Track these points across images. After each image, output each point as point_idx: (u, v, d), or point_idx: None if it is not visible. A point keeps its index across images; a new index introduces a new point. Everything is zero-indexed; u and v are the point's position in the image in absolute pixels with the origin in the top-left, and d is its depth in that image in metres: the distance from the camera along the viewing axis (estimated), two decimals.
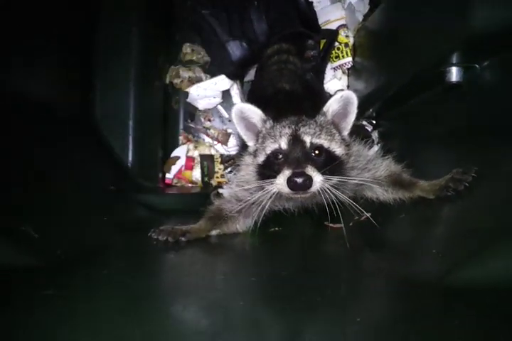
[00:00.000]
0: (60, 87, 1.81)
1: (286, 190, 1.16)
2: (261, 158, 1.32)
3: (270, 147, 1.30)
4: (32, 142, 1.50)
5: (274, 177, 1.20)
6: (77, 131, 1.86)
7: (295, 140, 1.26)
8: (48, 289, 0.91)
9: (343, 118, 1.37)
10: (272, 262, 1.16)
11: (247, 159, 1.42)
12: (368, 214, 1.30)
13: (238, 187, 1.44)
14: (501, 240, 0.79)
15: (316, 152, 1.26)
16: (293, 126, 1.30)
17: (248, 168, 1.41)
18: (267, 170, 1.28)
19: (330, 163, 1.24)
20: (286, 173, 1.17)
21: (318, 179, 1.16)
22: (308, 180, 1.13)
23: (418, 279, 0.78)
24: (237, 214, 1.41)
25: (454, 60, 1.27)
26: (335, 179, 1.21)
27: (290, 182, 1.14)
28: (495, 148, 1.15)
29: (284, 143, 1.27)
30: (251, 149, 1.39)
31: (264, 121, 1.36)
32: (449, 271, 0.77)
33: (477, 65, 1.27)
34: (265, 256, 1.30)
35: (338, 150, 1.31)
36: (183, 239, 1.31)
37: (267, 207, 1.24)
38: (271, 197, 1.22)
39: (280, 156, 1.27)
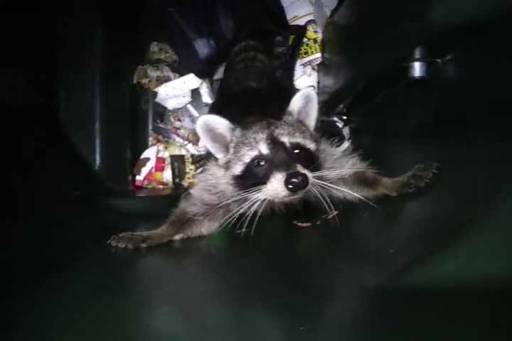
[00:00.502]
0: (24, 91, 1.77)
1: (283, 193, 1.13)
2: (238, 169, 1.27)
3: (248, 155, 1.25)
4: None
5: (258, 184, 1.17)
6: (43, 134, 1.81)
7: (274, 143, 1.23)
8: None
9: (306, 115, 1.35)
10: (240, 265, 1.14)
11: (217, 171, 1.37)
12: (335, 213, 1.30)
13: (205, 191, 1.42)
14: (457, 239, 0.78)
15: (296, 151, 1.24)
16: (266, 130, 1.27)
17: (220, 180, 1.36)
18: (248, 179, 1.24)
19: (307, 160, 1.23)
20: (279, 177, 1.13)
21: (310, 176, 1.13)
22: (305, 178, 1.11)
23: (373, 281, 0.77)
24: (201, 217, 1.39)
25: (417, 55, 1.25)
26: (325, 172, 1.22)
27: (289, 184, 1.11)
28: (460, 143, 1.14)
29: (264, 149, 1.23)
30: (221, 161, 1.33)
31: (233, 130, 1.30)
32: (401, 272, 0.75)
33: (439, 60, 1.27)
34: (233, 258, 1.27)
35: (311, 146, 1.30)
36: (143, 245, 1.27)
37: (259, 214, 1.18)
38: (261, 204, 1.18)
39: (263, 162, 1.22)
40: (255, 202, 1.17)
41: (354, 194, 1.26)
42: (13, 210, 1.41)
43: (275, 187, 1.14)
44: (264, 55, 1.94)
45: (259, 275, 1.00)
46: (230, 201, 1.31)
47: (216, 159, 1.35)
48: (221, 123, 1.29)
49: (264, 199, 1.17)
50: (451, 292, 0.75)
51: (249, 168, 1.24)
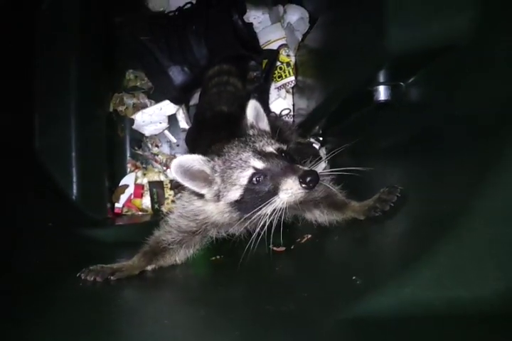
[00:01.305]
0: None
1: (300, 194, 1.14)
2: (235, 194, 1.25)
3: (243, 176, 1.23)
4: None
5: (266, 199, 1.18)
6: (18, 164, 1.80)
7: (263, 155, 1.23)
8: None
9: (262, 123, 1.39)
10: (210, 295, 1.13)
11: (208, 207, 1.34)
12: (309, 236, 1.31)
13: (182, 218, 1.41)
14: (421, 263, 0.78)
15: (283, 155, 1.24)
16: (248, 147, 1.26)
17: (210, 213, 1.34)
18: (251, 199, 1.23)
19: (293, 161, 1.25)
20: (291, 181, 1.14)
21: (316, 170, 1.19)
22: (315, 173, 1.14)
23: (338, 310, 0.77)
24: (177, 245, 1.38)
25: (381, 79, 1.28)
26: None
27: (305, 183, 1.12)
28: (427, 162, 1.16)
29: (258, 164, 1.22)
30: (208, 195, 1.30)
31: (210, 162, 1.28)
32: (365, 299, 0.76)
33: (402, 83, 1.30)
34: (210, 286, 1.26)
35: (287, 147, 1.32)
36: (112, 277, 1.25)
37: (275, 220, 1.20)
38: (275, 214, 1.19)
39: (262, 177, 1.21)
40: (267, 215, 1.18)
41: (325, 217, 1.27)
42: None
43: (291, 192, 1.14)
44: (238, 79, 1.96)
45: (229, 304, 0.99)
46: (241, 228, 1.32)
47: (200, 195, 1.32)
48: (194, 160, 1.26)
49: (279, 208, 1.17)
50: (417, 317, 0.75)
51: (248, 188, 1.22)
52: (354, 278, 0.82)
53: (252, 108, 1.37)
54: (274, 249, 1.36)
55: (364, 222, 1.13)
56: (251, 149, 1.25)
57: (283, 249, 1.33)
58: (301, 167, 1.16)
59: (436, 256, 0.80)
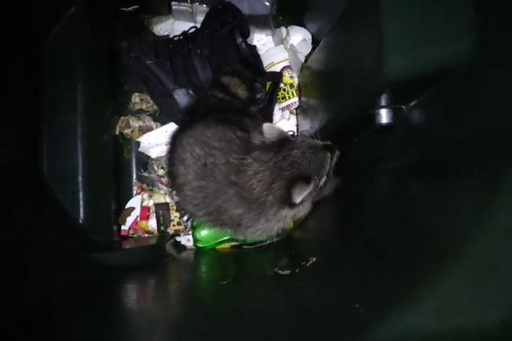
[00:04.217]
0: (5, 145, 1.78)
1: None
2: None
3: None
4: None
5: None
6: (24, 189, 1.82)
7: None
8: None
9: None
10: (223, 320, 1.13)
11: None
12: (314, 259, 1.31)
13: None
14: (423, 293, 0.78)
15: None
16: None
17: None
18: None
19: None
20: None
21: None
22: None
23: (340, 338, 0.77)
24: None
25: (382, 102, 1.29)
26: None
27: None
28: (428, 188, 1.16)
29: None
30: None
31: None
32: (367, 328, 0.75)
33: (404, 106, 1.31)
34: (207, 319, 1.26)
35: None
36: None
37: None
38: None
39: None
40: None
41: None
42: None
43: None
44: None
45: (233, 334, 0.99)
46: None
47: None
48: None
49: None
50: None
51: None
52: (357, 306, 0.81)
53: (269, 127, 1.45)
54: (279, 272, 1.36)
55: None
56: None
57: (288, 272, 1.33)
58: None
59: (438, 284, 0.80)
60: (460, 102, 1.12)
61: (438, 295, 0.78)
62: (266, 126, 1.46)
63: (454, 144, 1.11)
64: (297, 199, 1.36)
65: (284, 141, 1.45)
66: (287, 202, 1.39)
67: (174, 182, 1.65)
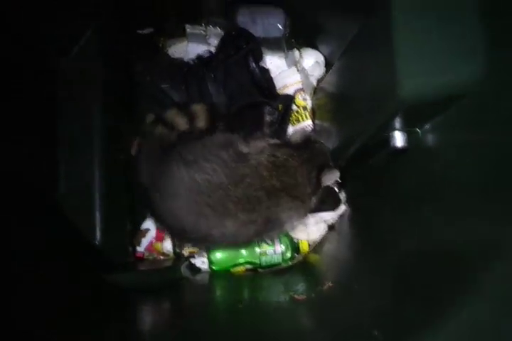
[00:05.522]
0: (24, 165, 1.81)
1: None
2: None
3: None
4: None
5: None
6: (42, 209, 1.84)
7: None
8: None
9: None
10: None
11: None
12: (330, 284, 1.30)
13: None
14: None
15: None
16: None
17: None
18: None
19: None
20: None
21: None
22: None
23: None
24: None
25: (396, 125, 1.30)
26: None
27: None
28: (440, 213, 1.16)
29: None
30: None
31: None
32: None
33: (418, 129, 1.31)
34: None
35: None
36: None
37: None
38: None
39: None
40: None
41: None
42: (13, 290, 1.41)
43: None
44: None
45: None
46: None
47: None
48: None
49: None
50: None
51: None
52: (376, 333, 0.80)
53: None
54: (295, 296, 1.35)
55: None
56: None
57: (304, 297, 1.32)
58: None
59: (457, 311, 0.79)
60: (476, 125, 1.12)
61: (458, 321, 0.77)
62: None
63: (468, 168, 1.11)
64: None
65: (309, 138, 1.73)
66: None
67: None
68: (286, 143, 1.64)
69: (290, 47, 2.32)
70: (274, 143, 1.62)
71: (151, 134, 1.87)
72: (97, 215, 2.00)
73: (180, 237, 1.86)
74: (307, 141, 1.70)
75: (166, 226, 1.77)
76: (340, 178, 2.18)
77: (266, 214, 1.46)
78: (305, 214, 1.62)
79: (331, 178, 1.58)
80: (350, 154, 1.75)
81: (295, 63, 2.34)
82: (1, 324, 1.16)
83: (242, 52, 2.00)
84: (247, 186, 1.38)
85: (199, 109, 1.88)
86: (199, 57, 2.18)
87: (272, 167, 1.48)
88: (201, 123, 1.89)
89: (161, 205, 1.59)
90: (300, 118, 2.21)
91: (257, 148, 1.56)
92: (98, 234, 1.99)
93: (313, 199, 1.61)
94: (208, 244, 1.77)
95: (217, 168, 1.43)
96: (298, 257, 1.86)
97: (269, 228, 1.51)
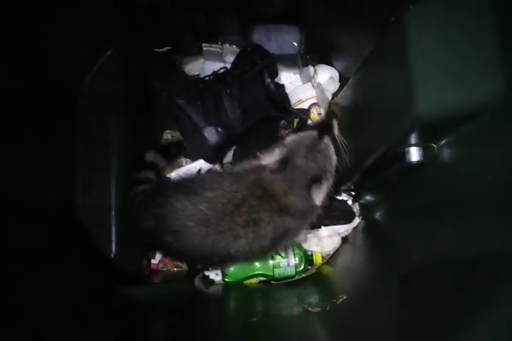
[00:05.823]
0: (41, 179, 1.84)
1: None
2: None
3: None
4: (9, 233, 1.49)
5: None
6: (59, 223, 1.86)
7: None
8: None
9: None
10: None
11: None
12: (344, 297, 1.30)
13: None
14: None
15: None
16: None
17: None
18: None
19: None
20: None
21: None
22: None
23: None
24: None
25: (412, 141, 1.31)
26: None
27: None
28: (458, 229, 1.16)
29: None
30: None
31: None
32: None
33: (434, 145, 1.32)
34: None
35: None
36: None
37: None
38: None
39: None
40: None
41: None
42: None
43: None
44: None
45: None
46: None
47: None
48: None
49: None
50: None
51: None
52: None
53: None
54: (309, 309, 1.36)
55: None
56: None
57: (318, 310, 1.32)
58: None
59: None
60: (493, 141, 1.12)
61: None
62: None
63: (486, 184, 1.11)
64: (318, 201, 1.52)
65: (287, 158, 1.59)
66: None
67: None
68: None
69: (305, 63, 2.36)
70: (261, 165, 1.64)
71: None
72: (113, 229, 2.02)
73: (202, 264, 1.96)
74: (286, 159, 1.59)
75: (185, 260, 1.93)
76: (355, 191, 2.21)
77: (272, 229, 1.54)
78: (307, 228, 1.68)
79: (320, 196, 1.53)
80: (365, 168, 1.77)
81: (310, 79, 2.38)
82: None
83: (257, 67, 2.03)
84: (249, 208, 1.52)
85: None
86: (214, 73, 2.22)
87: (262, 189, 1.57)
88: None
89: (175, 243, 1.69)
90: None
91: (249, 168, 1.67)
92: (114, 247, 1.99)
93: (316, 213, 1.62)
94: (230, 263, 1.81)
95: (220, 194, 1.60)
96: (311, 269, 1.86)
97: (279, 240, 1.59)
